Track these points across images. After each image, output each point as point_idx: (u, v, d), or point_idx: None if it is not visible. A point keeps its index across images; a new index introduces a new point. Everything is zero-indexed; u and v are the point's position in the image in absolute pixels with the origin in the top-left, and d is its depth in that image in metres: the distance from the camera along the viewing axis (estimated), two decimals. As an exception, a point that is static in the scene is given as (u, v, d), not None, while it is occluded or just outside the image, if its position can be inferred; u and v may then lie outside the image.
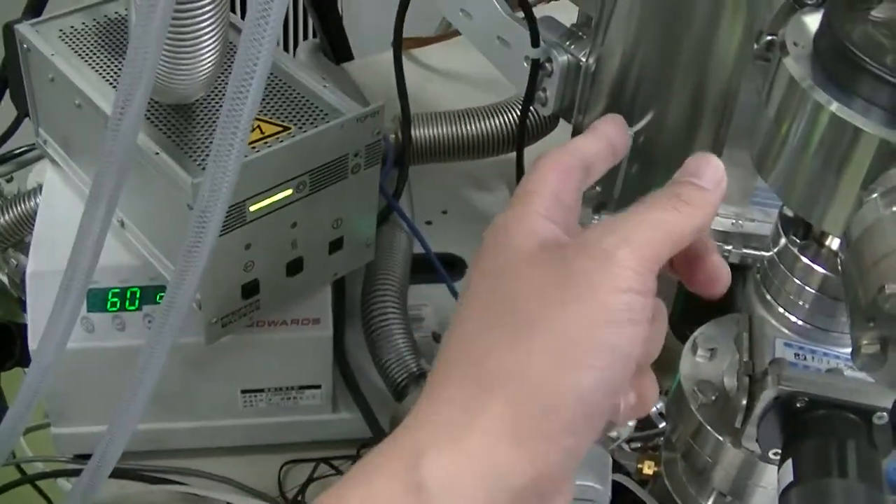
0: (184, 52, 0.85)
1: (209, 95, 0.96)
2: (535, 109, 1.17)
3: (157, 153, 0.89)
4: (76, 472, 1.03)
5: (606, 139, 0.61)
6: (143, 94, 0.71)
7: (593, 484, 0.73)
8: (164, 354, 0.79)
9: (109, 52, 1.01)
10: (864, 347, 0.59)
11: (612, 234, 0.53)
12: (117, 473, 1.06)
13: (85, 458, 0.87)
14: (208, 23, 0.84)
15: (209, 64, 0.87)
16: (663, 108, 1.00)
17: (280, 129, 0.93)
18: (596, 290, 0.51)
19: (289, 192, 0.91)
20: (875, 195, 0.61)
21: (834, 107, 0.64)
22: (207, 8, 0.83)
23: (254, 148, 0.90)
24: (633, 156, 1.03)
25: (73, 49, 1.01)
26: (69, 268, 0.80)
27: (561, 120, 1.19)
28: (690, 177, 0.57)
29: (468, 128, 1.25)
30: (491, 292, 0.54)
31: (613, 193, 1.06)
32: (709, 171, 0.57)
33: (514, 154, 1.24)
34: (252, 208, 0.89)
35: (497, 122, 1.24)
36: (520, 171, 1.24)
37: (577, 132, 1.11)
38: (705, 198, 0.56)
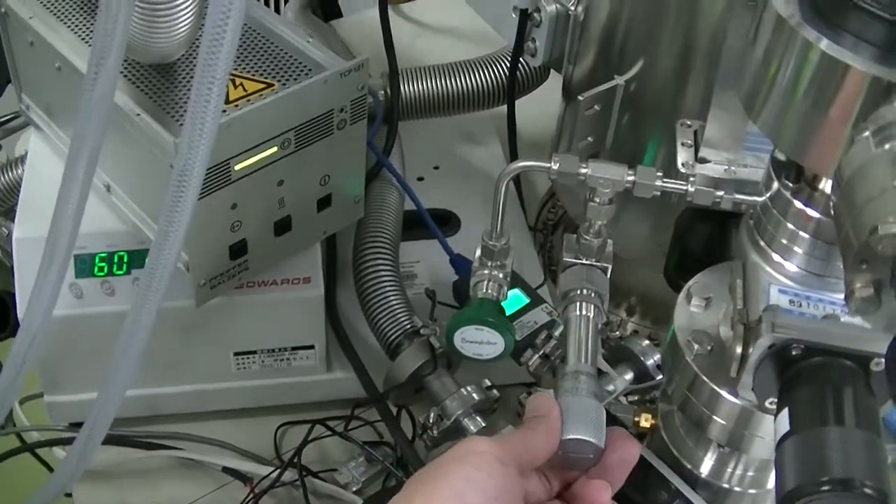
0: (160, 10, 0.84)
1: (190, 54, 0.94)
2: (525, 61, 1.15)
3: (139, 114, 0.88)
4: (71, 441, 1.02)
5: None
6: (117, 50, 0.70)
7: (588, 438, 0.72)
8: (152, 317, 0.78)
9: (88, 13, 0.99)
10: (857, 291, 0.58)
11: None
12: (112, 440, 1.06)
13: (80, 426, 0.86)
14: (184, -22, 0.82)
15: (187, 21, 0.86)
16: (653, 55, 0.99)
17: (263, 85, 0.91)
18: (461, 462, 0.67)
19: (274, 149, 0.90)
20: (866, 133, 0.59)
21: (823, 44, 0.62)
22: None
23: (236, 105, 0.88)
24: (624, 105, 1.02)
25: (51, 11, 1.00)
26: (52, 232, 0.79)
27: (552, 71, 1.18)
28: (532, 412, 0.73)
29: (458, 81, 1.23)
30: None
31: (606, 143, 1.05)
32: (543, 403, 0.74)
33: (505, 107, 1.23)
34: (237, 167, 0.88)
35: (487, 74, 1.23)
36: (511, 124, 1.23)
37: (567, 83, 1.10)
38: (546, 421, 0.72)
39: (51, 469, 1.25)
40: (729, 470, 0.86)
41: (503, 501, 0.66)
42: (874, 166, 0.58)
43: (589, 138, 1.04)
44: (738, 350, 0.72)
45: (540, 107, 1.26)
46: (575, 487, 0.74)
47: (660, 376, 0.94)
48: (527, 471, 0.71)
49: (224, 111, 0.83)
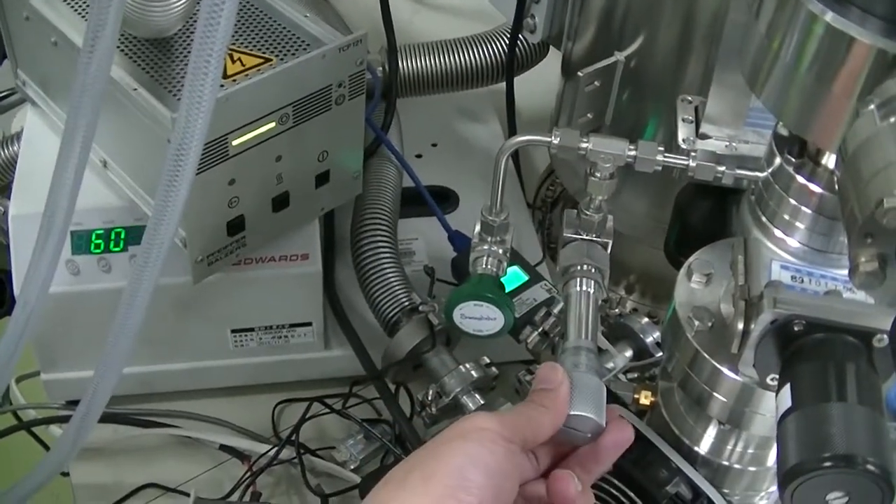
0: (157, -18, 0.83)
1: (187, 28, 0.93)
2: (524, 37, 1.15)
3: (136, 89, 0.87)
4: (67, 419, 1.02)
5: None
6: (113, 24, 0.69)
7: (588, 415, 0.71)
8: (149, 293, 0.78)
9: (84, -13, 0.99)
10: (861, 265, 0.57)
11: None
12: (109, 418, 1.05)
13: (77, 403, 0.85)
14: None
15: (184, -6, 0.85)
16: (654, 32, 0.98)
17: (261, 60, 0.91)
18: (464, 438, 0.66)
19: (272, 124, 0.89)
20: (871, 107, 0.59)
21: (829, 17, 0.61)
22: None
23: (234, 80, 0.87)
24: (624, 81, 1.02)
25: (46, -15, 0.99)
26: (48, 208, 0.78)
27: (551, 47, 1.17)
28: (541, 384, 0.72)
29: (456, 58, 1.22)
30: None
31: (605, 119, 1.04)
32: (554, 376, 0.72)
33: (504, 84, 1.22)
34: (234, 142, 0.87)
35: (486, 51, 1.22)
36: (510, 101, 1.22)
37: (566, 59, 1.09)
38: (554, 396, 0.71)
39: (47, 447, 1.24)
40: (729, 447, 0.85)
41: (504, 478, 0.66)
42: (880, 140, 0.57)
43: (588, 114, 1.03)
44: (740, 326, 0.72)
45: (539, 84, 1.26)
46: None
47: (659, 353, 0.93)
48: (529, 447, 0.70)
49: (222, 86, 0.83)
